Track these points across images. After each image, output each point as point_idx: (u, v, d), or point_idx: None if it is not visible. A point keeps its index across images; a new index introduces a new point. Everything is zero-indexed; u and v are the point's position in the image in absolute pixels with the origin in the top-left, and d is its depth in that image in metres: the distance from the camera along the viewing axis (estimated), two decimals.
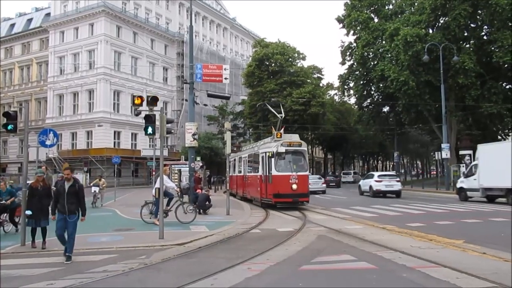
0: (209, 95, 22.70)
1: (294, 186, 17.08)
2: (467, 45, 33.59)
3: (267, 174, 17.80)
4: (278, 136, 18.41)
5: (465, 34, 33.18)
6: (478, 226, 12.20)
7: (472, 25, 32.99)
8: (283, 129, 19.68)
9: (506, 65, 30.00)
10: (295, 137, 19.38)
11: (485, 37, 33.16)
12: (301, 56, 47.44)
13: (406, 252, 8.10)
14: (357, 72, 40.62)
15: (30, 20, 57.87)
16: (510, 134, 45.81)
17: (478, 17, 31.94)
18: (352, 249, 8.89)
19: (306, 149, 18.86)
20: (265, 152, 18.10)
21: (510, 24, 31.01)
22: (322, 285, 6.25)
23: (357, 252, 8.51)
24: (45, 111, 52.67)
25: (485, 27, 33.22)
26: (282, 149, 17.48)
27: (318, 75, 49.10)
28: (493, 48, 30.53)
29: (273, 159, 17.37)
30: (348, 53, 41.25)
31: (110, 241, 10.17)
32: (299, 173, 17.48)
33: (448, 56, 30.22)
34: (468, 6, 28.97)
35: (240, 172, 24.20)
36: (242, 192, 23.19)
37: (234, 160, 25.71)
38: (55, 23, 51.08)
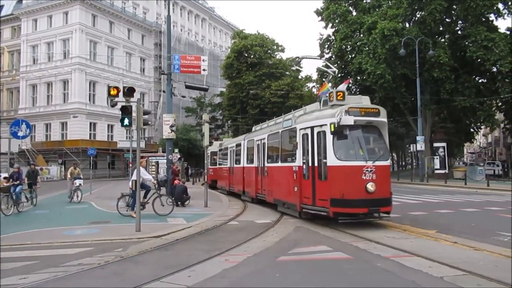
0: (187, 87, 22.46)
1: (371, 186, 9.76)
2: (442, 40, 34.22)
3: (315, 164, 10.72)
4: (339, 97, 10.90)
5: (441, 28, 33.80)
6: (450, 216, 12.53)
7: (447, 20, 33.63)
8: (345, 84, 12.65)
9: (479, 60, 30.71)
10: (366, 100, 11.43)
11: (459, 32, 33.87)
12: (280, 48, 47.37)
13: (381, 242, 8.27)
14: (335, 65, 40.91)
15: (1, 7, 55.90)
16: (482, 127, 47.11)
17: (453, 12, 32.56)
18: (329, 239, 9.02)
19: (386, 120, 10.97)
20: (312, 127, 10.92)
21: (484, 19, 31.77)
22: (299, 276, 6.32)
23: (333, 242, 8.65)
24: (17, 101, 51.29)
25: (460, 22, 33.92)
26: (349, 120, 10.00)
27: (297, 67, 49.11)
28: (467, 43, 31.22)
29: (330, 138, 10.19)
30: (326, 46, 41.47)
31: (86, 234, 10.02)
32: (377, 163, 10.07)
33: (424, 50, 30.74)
34: (444, 1, 29.48)
35: (250, 162, 17.15)
36: (256, 192, 16.28)
37: (238, 146, 19.44)
38: (28, 11, 49.56)
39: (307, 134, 11.19)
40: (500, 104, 36.50)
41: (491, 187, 23.38)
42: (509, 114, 37.97)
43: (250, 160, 17.38)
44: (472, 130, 43.19)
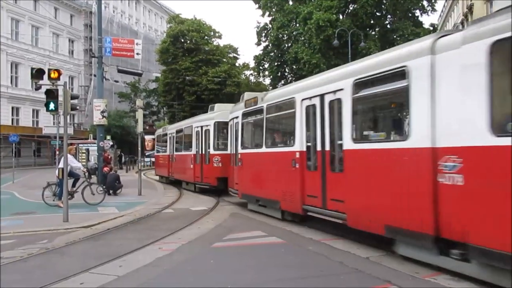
0: (120, 71, 21.55)
1: None
2: (373, 32, 35.78)
3: None
4: None
5: (372, 21, 35.29)
6: None
7: (377, 13, 35.18)
8: None
9: None
10: None
11: (388, 26, 35.60)
12: (217, 34, 46.93)
13: (313, 226, 8.55)
14: (272, 54, 41.34)
15: None
16: None
17: (383, 6, 34.11)
18: (264, 225, 9.19)
19: None
20: None
21: (410, 15, 33.68)
22: (233, 261, 6.39)
23: (268, 228, 8.83)
24: None
25: (389, 16, 35.65)
26: None
27: (234, 54, 49.02)
28: (395, 36, 32.94)
29: None
30: (263, 34, 41.69)
31: (7, 226, 9.30)
32: None
33: (356, 42, 31.97)
34: None
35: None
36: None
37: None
38: None
39: None
40: None
41: None
42: None
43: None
44: None
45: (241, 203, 12.54)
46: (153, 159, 44.04)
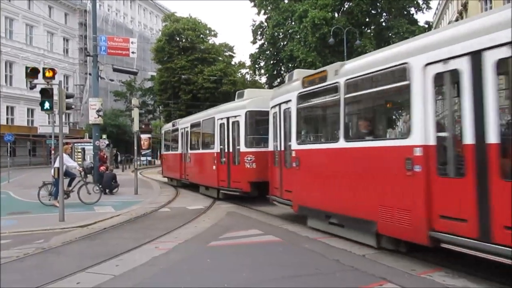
0: (115, 70, 21.48)
1: None
2: (368, 30, 35.84)
3: None
4: None
5: (367, 19, 35.34)
6: None
7: (373, 11, 35.24)
8: None
9: None
10: None
11: (383, 24, 35.66)
12: (212, 33, 46.86)
13: (309, 225, 8.57)
14: (268, 52, 41.33)
15: None
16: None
17: (378, 4, 34.18)
18: (260, 224, 9.21)
19: None
20: None
21: (405, 12, 33.79)
22: (230, 260, 6.40)
23: (264, 226, 8.85)
24: None
25: (384, 14, 35.71)
26: None
27: (230, 53, 48.98)
28: (390, 34, 33.01)
29: None
30: (259, 33, 41.65)
31: (3, 226, 9.25)
32: None
33: (351, 40, 32.03)
34: None
35: None
36: None
37: None
38: None
39: None
40: None
41: None
42: None
43: None
44: None
45: (238, 202, 12.57)
46: (149, 158, 44.20)
